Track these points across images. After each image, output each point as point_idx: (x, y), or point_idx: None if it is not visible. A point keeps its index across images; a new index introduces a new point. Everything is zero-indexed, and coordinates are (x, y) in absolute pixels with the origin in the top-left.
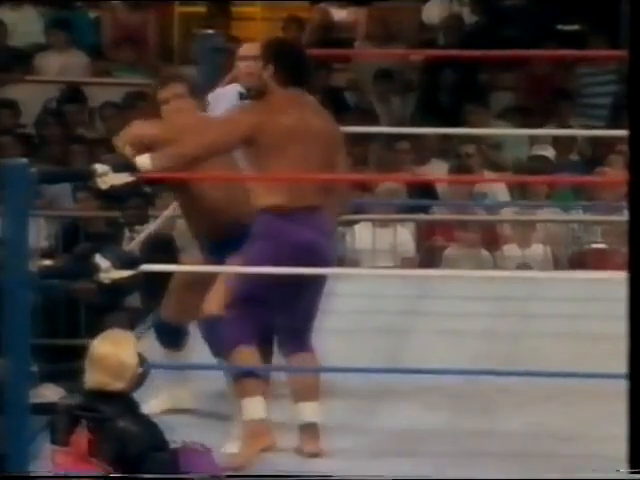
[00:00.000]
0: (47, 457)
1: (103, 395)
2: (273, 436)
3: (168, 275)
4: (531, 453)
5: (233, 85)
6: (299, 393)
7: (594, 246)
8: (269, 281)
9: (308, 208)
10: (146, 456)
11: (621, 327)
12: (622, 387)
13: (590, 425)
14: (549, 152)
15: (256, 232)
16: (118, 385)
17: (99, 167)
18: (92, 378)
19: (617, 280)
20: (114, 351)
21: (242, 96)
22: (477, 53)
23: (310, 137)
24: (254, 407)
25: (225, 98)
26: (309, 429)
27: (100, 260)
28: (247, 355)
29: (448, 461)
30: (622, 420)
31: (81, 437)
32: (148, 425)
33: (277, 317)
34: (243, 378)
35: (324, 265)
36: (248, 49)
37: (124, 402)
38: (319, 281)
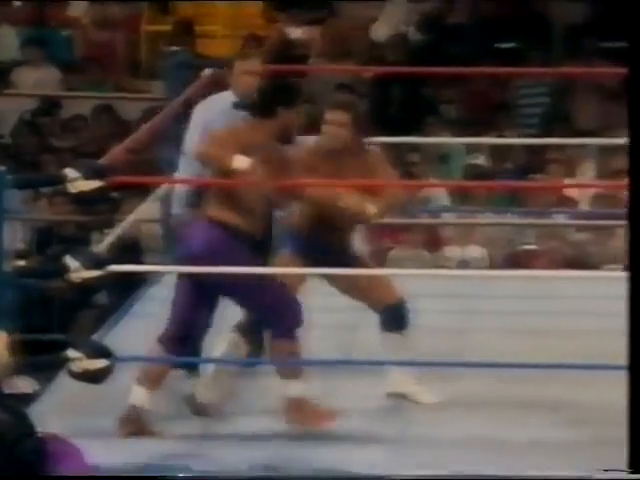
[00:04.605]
0: None
1: None
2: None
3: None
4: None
5: (227, 93)
6: None
7: (526, 247)
8: None
9: None
10: (18, 443)
11: (559, 323)
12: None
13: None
14: (481, 160)
15: None
16: None
17: (70, 173)
18: None
19: (549, 278)
20: None
21: (236, 105)
22: (422, 69)
23: None
24: None
25: (218, 105)
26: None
27: (70, 261)
28: None
29: (445, 457)
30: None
31: None
32: (16, 413)
33: None
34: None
35: None
36: (254, 65)
37: None
38: None
